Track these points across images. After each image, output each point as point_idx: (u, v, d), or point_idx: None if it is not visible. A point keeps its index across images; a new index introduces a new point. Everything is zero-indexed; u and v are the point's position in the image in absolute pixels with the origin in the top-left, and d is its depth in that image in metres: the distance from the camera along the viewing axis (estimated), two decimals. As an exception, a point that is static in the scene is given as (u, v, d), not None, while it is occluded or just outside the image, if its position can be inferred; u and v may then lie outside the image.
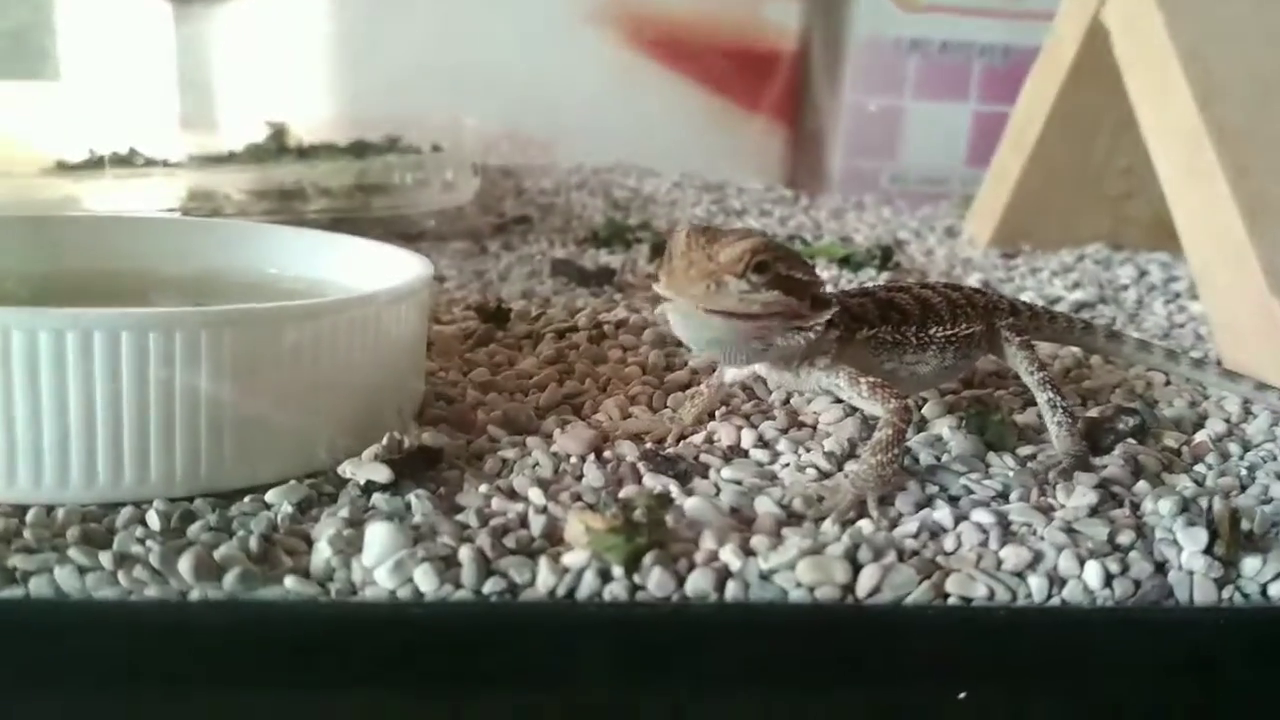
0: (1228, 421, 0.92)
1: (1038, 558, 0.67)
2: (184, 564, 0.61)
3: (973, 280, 1.42)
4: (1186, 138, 1.15)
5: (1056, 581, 0.66)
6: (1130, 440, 0.85)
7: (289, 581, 0.61)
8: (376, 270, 0.87)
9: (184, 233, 0.97)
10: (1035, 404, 0.88)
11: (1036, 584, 0.66)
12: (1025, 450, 0.83)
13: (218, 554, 0.63)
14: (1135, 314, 1.32)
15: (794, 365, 0.80)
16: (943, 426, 0.85)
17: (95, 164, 1.59)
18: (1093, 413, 0.91)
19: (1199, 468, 0.83)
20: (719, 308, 0.72)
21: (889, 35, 2.29)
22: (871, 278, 1.41)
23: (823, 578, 0.64)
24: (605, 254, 1.46)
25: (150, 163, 1.55)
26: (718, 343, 0.76)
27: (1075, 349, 1.06)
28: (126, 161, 1.58)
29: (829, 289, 0.82)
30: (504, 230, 1.58)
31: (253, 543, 0.64)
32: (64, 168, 1.58)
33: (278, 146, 1.67)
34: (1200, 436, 0.89)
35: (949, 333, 0.85)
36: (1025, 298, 1.33)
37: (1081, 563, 0.67)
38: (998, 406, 0.92)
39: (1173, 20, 1.22)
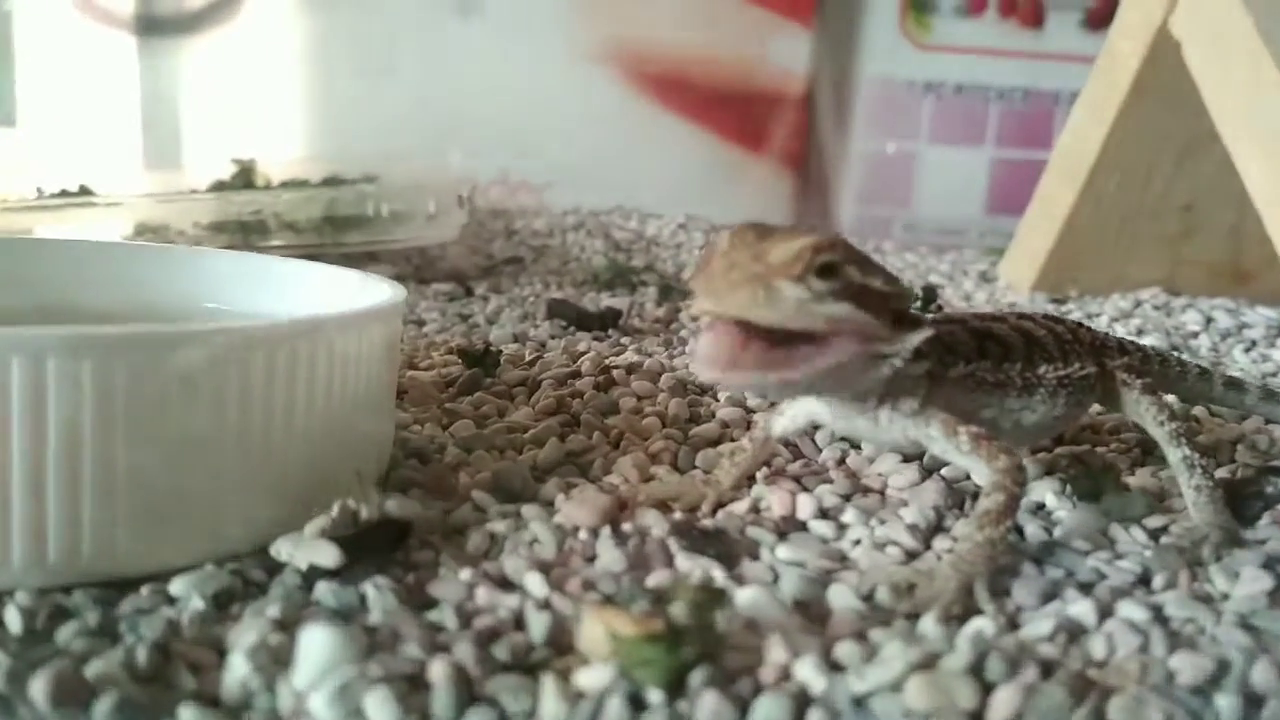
0: (1380, 482, 0.75)
1: (1223, 668, 0.49)
2: (38, 686, 0.43)
3: (1026, 325, 1.25)
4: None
5: (1253, 700, 0.48)
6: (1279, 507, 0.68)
7: (186, 713, 0.43)
8: (340, 302, 0.69)
9: (109, 259, 0.79)
10: (1145, 464, 0.71)
11: (1228, 705, 0.48)
12: (1154, 521, 0.65)
13: (90, 670, 0.45)
14: (1216, 363, 1.15)
15: (870, 408, 0.62)
16: (1045, 491, 0.68)
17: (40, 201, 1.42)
18: (1223, 473, 0.74)
19: (1362, 539, 0.66)
20: (769, 321, 0.53)
21: (901, 77, 2.16)
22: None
23: (942, 702, 0.45)
24: (608, 296, 1.29)
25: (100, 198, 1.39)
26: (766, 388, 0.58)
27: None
28: (71, 197, 1.41)
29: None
30: (493, 272, 1.41)
31: (141, 653, 0.46)
32: (4, 206, 1.41)
33: (244, 184, 1.50)
34: (1354, 499, 0.71)
35: (1061, 373, 0.68)
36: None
37: (1282, 673, 0.49)
38: (1107, 465, 0.74)
39: (1263, 22, 1.06)
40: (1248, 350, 1.21)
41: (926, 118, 2.19)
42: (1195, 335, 1.27)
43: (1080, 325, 0.75)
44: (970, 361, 0.65)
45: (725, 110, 2.22)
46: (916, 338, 0.60)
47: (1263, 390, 0.82)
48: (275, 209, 1.20)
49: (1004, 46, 2.16)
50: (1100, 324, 1.30)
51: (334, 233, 1.22)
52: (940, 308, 1.29)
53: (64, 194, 1.42)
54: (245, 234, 1.17)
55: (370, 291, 0.69)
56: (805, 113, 2.27)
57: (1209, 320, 1.32)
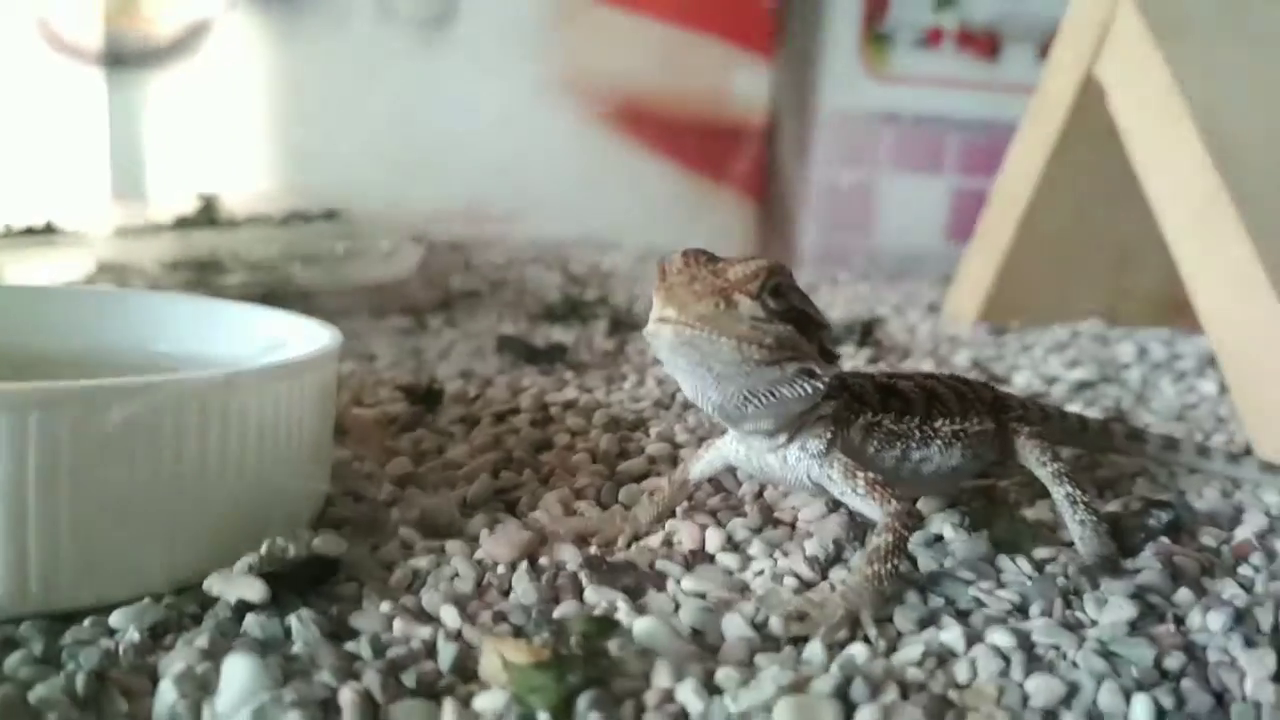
0: (1268, 514, 0.80)
1: (1073, 690, 0.54)
2: (-17, 713, 0.47)
3: (962, 357, 1.30)
4: (1201, 200, 1.03)
5: (1096, 720, 0.53)
6: (1163, 539, 0.73)
7: (118, 735, 0.47)
8: (279, 347, 0.73)
9: (60, 305, 0.83)
10: (1048, 497, 0.75)
11: (1074, 726, 0.52)
12: (1042, 552, 0.70)
13: (34, 695, 0.49)
14: (1142, 394, 1.20)
15: (780, 445, 0.67)
16: (944, 525, 0.73)
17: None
18: (1113, 506, 0.79)
19: (1244, 570, 0.71)
20: (728, 333, 0.59)
21: (860, 108, 2.20)
22: (850, 354, 1.28)
23: (807, 723, 0.50)
24: (559, 330, 1.33)
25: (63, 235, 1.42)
26: (716, 377, 0.62)
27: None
28: (36, 234, 1.45)
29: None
30: (448, 306, 1.45)
31: (80, 680, 0.50)
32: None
33: (207, 219, 1.55)
34: (1241, 533, 0.76)
35: (956, 427, 0.73)
36: (1021, 377, 1.22)
37: (1127, 696, 0.54)
38: (1005, 500, 0.79)
39: (1180, 72, 1.11)
40: (1176, 381, 1.25)
41: (886, 148, 2.24)
42: (1127, 367, 1.31)
43: (985, 385, 0.81)
44: (875, 412, 0.70)
45: (687, 141, 2.26)
46: (836, 368, 0.65)
47: (1163, 440, 0.87)
48: (233, 247, 1.24)
49: (961, 77, 2.21)
50: (1035, 355, 1.35)
51: (290, 270, 1.26)
52: (879, 342, 1.34)
53: (29, 231, 1.46)
54: (203, 272, 1.21)
55: (308, 337, 0.73)
56: (767, 144, 2.32)
57: (1143, 351, 1.37)
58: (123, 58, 2.04)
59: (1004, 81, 2.19)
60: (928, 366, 1.24)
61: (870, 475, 0.66)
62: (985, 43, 2.22)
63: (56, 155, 2.00)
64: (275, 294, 1.19)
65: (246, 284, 1.21)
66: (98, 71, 2.01)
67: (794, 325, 0.61)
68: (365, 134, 2.06)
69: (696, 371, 0.62)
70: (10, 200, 1.81)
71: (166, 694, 0.49)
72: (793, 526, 0.74)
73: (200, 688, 0.50)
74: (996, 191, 1.52)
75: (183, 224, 1.50)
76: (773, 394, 0.62)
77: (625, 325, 1.33)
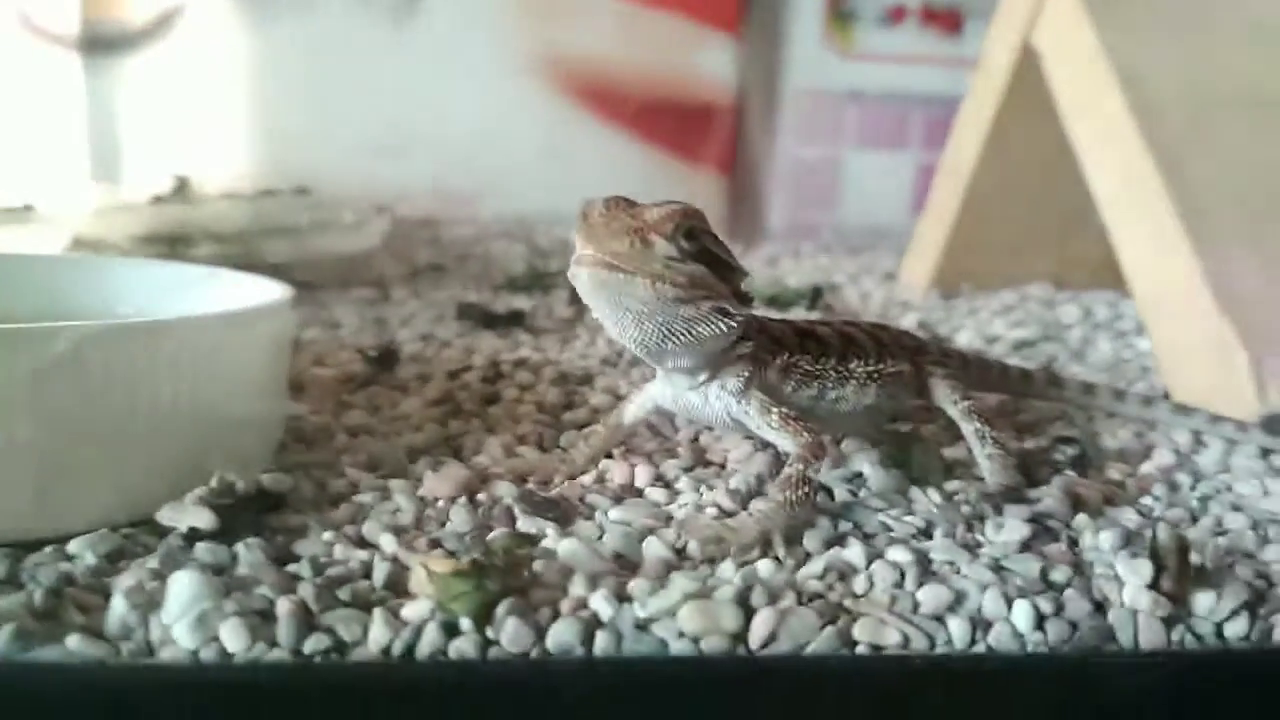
0: (1177, 453, 0.85)
1: (959, 598, 0.59)
2: (-52, 623, 0.52)
3: (909, 320, 1.34)
4: (1127, 160, 1.08)
5: (980, 624, 0.58)
6: (1069, 472, 0.77)
7: (73, 641, 0.52)
8: (233, 304, 0.77)
9: (33, 271, 0.87)
10: (965, 438, 0.80)
11: (957, 628, 0.57)
12: (954, 485, 0.75)
13: (-7, 609, 0.53)
14: (1080, 351, 1.24)
15: (700, 383, 0.71)
16: (864, 463, 0.77)
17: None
18: (1030, 444, 0.83)
19: (1146, 500, 0.75)
20: (643, 271, 0.63)
21: (825, 85, 2.24)
22: (800, 316, 1.33)
23: (709, 626, 0.55)
24: (520, 299, 1.37)
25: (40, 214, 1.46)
26: (635, 315, 0.65)
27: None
28: (14, 213, 1.48)
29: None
30: (414, 278, 1.49)
31: (38, 596, 0.54)
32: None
33: (181, 200, 1.58)
34: (1147, 468, 0.81)
35: (870, 369, 0.77)
36: (964, 336, 1.26)
37: (1009, 602, 0.59)
38: (921, 438, 0.83)
39: (1107, 38, 1.16)
40: (1115, 339, 1.30)
41: (851, 124, 2.28)
42: (1070, 327, 1.36)
43: (905, 332, 0.85)
44: (792, 354, 0.75)
45: (657, 120, 2.29)
46: (750, 310, 0.70)
47: (1082, 385, 0.92)
48: (202, 221, 1.28)
49: (925, 53, 2.25)
50: (981, 318, 1.40)
51: (259, 242, 1.30)
52: (830, 306, 1.39)
53: (8, 211, 1.50)
54: (173, 245, 1.25)
55: (262, 294, 0.77)
56: (735, 121, 2.35)
57: (1087, 313, 1.42)
58: (99, 43, 2.06)
59: (967, 57, 2.21)
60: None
61: (784, 410, 0.70)
62: (948, 19, 2.26)
63: (36, 140, 2.03)
64: (244, 266, 1.23)
65: (215, 256, 1.24)
66: (75, 57, 2.04)
67: (708, 267, 0.66)
68: (337, 114, 2.08)
69: (615, 308, 0.66)
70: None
71: (118, 607, 0.53)
72: (723, 466, 0.78)
73: (149, 602, 0.54)
74: (944, 162, 1.56)
75: (157, 204, 1.53)
76: (689, 332, 0.66)
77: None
